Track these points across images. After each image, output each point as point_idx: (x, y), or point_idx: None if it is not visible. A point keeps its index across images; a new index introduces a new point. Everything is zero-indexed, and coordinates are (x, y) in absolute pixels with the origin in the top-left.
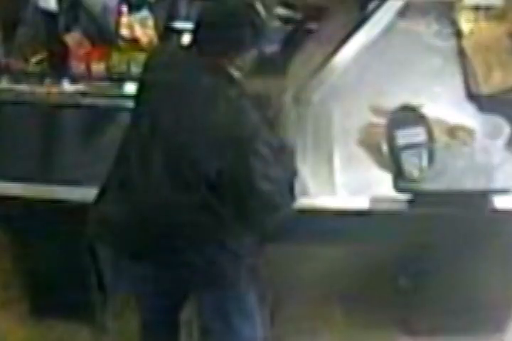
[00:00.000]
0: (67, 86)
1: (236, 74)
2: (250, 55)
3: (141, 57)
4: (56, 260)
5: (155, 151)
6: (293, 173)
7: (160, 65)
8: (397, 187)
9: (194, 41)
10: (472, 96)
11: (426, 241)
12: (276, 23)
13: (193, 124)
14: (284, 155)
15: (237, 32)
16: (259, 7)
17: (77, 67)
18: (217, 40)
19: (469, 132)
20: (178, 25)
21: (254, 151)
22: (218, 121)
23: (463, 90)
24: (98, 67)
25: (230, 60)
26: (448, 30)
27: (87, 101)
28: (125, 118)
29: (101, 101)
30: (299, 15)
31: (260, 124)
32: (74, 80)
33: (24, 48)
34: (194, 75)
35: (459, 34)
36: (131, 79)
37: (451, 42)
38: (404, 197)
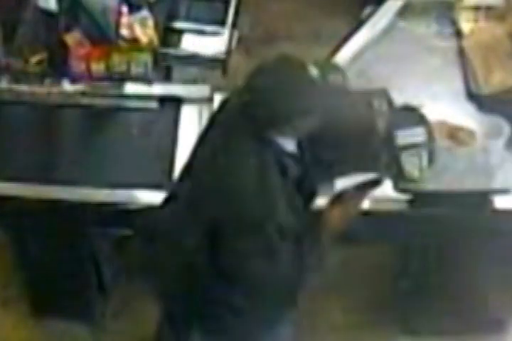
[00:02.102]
0: (67, 86)
1: (289, 144)
2: (308, 121)
3: (141, 57)
4: (56, 260)
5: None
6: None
7: (215, 123)
8: (397, 187)
9: (243, 106)
10: (472, 96)
11: (426, 241)
12: (338, 78)
13: (218, 189)
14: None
15: (285, 99)
16: (313, 70)
17: (77, 67)
18: (266, 108)
19: (470, 133)
20: (178, 25)
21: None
22: (238, 198)
23: (463, 90)
24: (98, 67)
25: (280, 129)
26: (448, 30)
27: (87, 101)
28: (125, 118)
29: (101, 101)
30: None
31: (281, 210)
32: (74, 80)
33: (24, 48)
34: (236, 147)
35: (459, 34)
36: (131, 79)
37: (451, 43)
38: (404, 197)
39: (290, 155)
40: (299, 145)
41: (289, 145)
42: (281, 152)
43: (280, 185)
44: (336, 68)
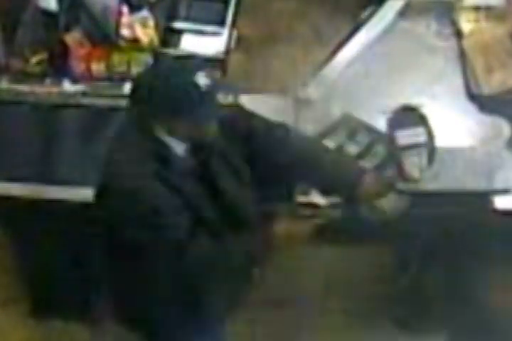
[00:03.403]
0: (67, 86)
1: (174, 142)
2: (192, 119)
3: (142, 57)
4: (56, 260)
5: None
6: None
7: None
8: (397, 188)
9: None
10: (472, 97)
11: (426, 241)
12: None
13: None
14: None
15: (164, 99)
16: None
17: (78, 67)
18: (148, 99)
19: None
20: (178, 25)
21: None
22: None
23: (463, 90)
24: (98, 67)
25: (163, 124)
26: (448, 30)
27: (87, 101)
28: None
29: (101, 101)
30: None
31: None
32: (74, 80)
33: (24, 48)
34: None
35: (459, 34)
36: (131, 79)
37: (451, 43)
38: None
39: (177, 156)
40: (195, 150)
41: (178, 147)
42: (167, 150)
43: (162, 174)
44: None
